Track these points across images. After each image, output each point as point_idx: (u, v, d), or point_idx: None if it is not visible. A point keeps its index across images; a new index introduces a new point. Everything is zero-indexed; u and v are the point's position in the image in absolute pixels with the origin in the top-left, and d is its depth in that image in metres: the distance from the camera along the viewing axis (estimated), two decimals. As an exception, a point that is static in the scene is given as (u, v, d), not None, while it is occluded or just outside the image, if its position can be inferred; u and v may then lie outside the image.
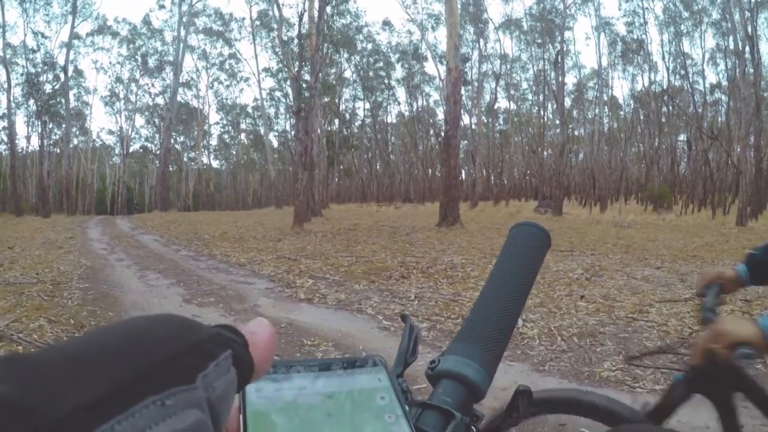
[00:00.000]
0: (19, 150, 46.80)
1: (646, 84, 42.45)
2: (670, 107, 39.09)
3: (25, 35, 44.84)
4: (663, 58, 40.71)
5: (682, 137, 42.93)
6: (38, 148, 39.95)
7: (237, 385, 0.25)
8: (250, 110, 58.94)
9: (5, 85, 34.73)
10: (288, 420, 0.31)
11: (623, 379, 3.69)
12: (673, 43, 39.63)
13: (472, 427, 0.48)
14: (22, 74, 38.32)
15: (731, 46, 32.82)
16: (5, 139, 43.74)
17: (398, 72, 53.07)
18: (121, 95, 53.27)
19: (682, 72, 39.14)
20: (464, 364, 0.52)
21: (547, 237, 0.66)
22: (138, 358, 0.21)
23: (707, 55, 41.21)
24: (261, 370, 0.28)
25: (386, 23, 51.57)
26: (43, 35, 38.88)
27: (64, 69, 34.58)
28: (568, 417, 3.17)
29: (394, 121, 60.22)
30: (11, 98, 34.97)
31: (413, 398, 0.50)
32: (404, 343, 0.57)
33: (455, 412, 0.48)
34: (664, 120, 41.05)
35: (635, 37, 41.48)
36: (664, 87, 38.80)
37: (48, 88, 37.98)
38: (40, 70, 37.43)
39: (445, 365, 0.53)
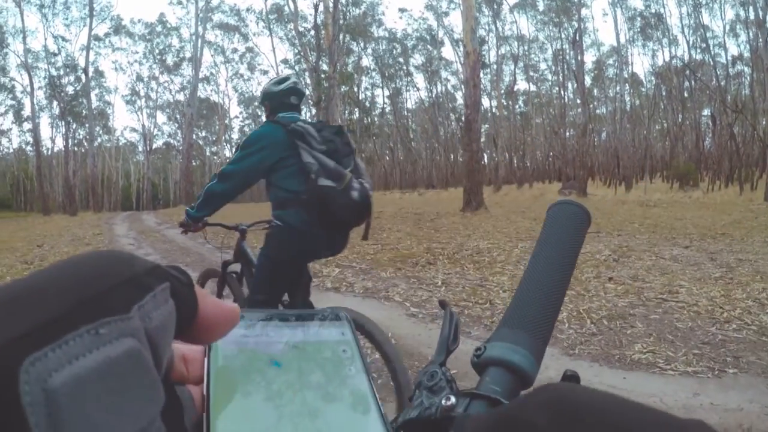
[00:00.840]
0: (45, 151, 47.62)
1: (667, 59, 41.90)
2: (693, 82, 38.41)
3: (46, 39, 45.44)
4: (682, 31, 40.10)
5: (705, 112, 42.07)
6: (63, 149, 40.64)
7: (177, 320, 0.25)
8: (270, 102, 59.18)
9: (28, 89, 35.30)
10: (250, 367, 0.32)
11: (654, 361, 3.67)
12: (693, 15, 38.95)
13: None
14: (44, 77, 38.93)
15: (752, 17, 32.16)
16: (31, 141, 44.52)
17: (416, 58, 52.95)
18: (142, 93, 53.94)
19: (703, 45, 38.49)
20: (512, 350, 0.50)
21: (587, 215, 0.65)
22: (72, 291, 0.21)
23: (728, 27, 40.53)
24: (213, 326, 0.28)
25: (402, 9, 51.36)
26: (63, 38, 39.42)
27: (85, 70, 34.91)
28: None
29: (414, 107, 60.12)
30: (35, 101, 35.54)
31: (458, 388, 0.48)
32: (445, 330, 0.57)
33: (505, 402, 0.45)
34: (686, 95, 40.31)
35: (653, 11, 40.86)
36: (685, 61, 38.16)
37: (70, 89, 38.55)
38: (62, 72, 37.98)
39: (492, 352, 0.50)
